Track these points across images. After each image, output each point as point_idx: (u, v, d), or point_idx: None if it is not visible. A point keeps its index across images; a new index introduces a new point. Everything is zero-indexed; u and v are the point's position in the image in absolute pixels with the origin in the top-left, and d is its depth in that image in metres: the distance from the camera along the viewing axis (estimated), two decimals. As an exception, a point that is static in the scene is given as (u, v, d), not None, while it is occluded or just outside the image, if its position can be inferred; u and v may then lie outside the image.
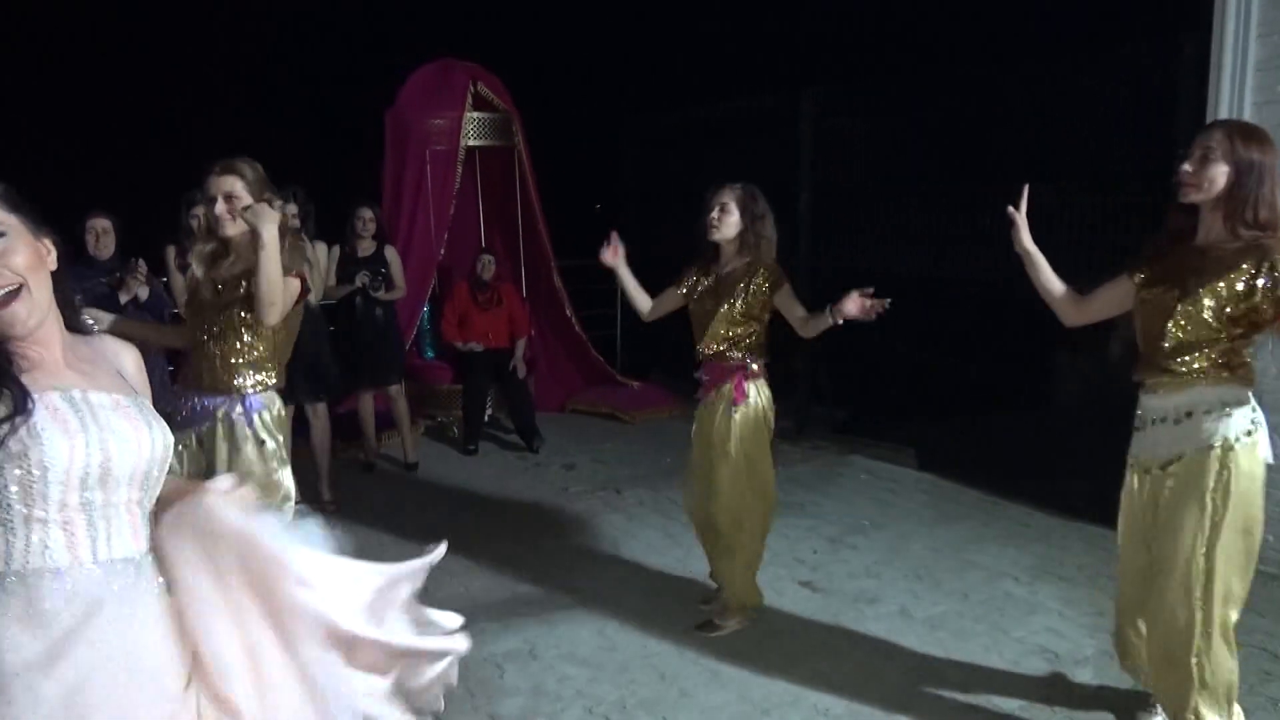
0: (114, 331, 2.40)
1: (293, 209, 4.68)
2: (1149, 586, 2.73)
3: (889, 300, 3.24)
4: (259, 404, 2.91)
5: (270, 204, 2.79)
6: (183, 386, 2.96)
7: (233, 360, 2.88)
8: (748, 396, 3.43)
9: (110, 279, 4.37)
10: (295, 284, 2.88)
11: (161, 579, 1.48)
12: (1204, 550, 2.50)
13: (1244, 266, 2.40)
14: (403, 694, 1.62)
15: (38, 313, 1.43)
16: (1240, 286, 2.41)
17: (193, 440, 2.89)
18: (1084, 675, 3.23)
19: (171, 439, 1.54)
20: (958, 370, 5.63)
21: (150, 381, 1.69)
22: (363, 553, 4.11)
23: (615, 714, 3.01)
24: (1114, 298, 2.92)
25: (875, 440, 5.98)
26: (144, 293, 4.45)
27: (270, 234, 2.67)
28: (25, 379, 1.38)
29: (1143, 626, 2.79)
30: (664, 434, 6.37)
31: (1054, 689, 3.14)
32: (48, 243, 1.49)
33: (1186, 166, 2.49)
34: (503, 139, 6.95)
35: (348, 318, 5.42)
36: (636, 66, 10.58)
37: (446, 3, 11.19)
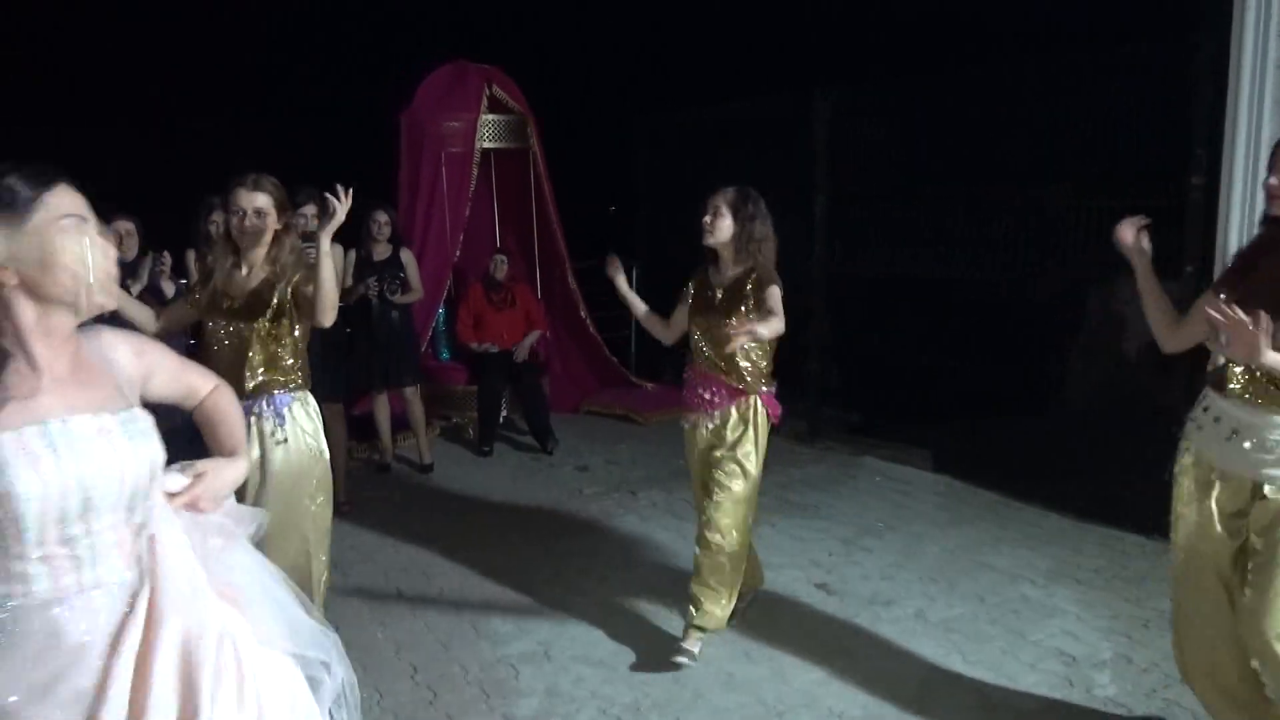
0: None
1: (312, 209, 4.72)
2: (1224, 619, 2.49)
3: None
4: (287, 400, 3.02)
5: (290, 223, 3.03)
6: None
7: (259, 368, 2.99)
8: (749, 413, 3.34)
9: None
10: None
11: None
12: None
13: None
14: None
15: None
16: None
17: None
18: (1101, 678, 3.21)
19: (160, 454, 1.51)
20: (971, 372, 5.61)
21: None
22: (376, 553, 4.16)
23: (629, 715, 3.02)
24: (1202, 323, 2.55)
25: (888, 442, 5.96)
26: (169, 289, 4.52)
27: (327, 245, 2.87)
28: (3, 413, 1.35)
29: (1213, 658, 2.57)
30: (678, 436, 6.32)
31: (1071, 692, 3.12)
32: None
33: (1273, 179, 2.33)
34: (518, 141, 6.97)
35: (363, 320, 5.45)
36: (651, 68, 10.58)
37: (461, 5, 11.22)
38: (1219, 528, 2.46)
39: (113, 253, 1.48)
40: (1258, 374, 2.31)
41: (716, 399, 3.40)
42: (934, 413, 6.07)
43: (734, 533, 3.34)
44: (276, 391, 3.01)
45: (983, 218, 5.35)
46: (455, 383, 6.63)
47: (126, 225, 4.53)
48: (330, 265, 2.88)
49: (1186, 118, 4.24)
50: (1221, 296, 2.30)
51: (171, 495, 1.55)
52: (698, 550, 3.38)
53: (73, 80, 11.75)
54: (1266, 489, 2.34)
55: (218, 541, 1.60)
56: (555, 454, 6.00)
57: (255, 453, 2.95)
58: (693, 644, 3.33)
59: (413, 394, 5.64)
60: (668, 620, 3.66)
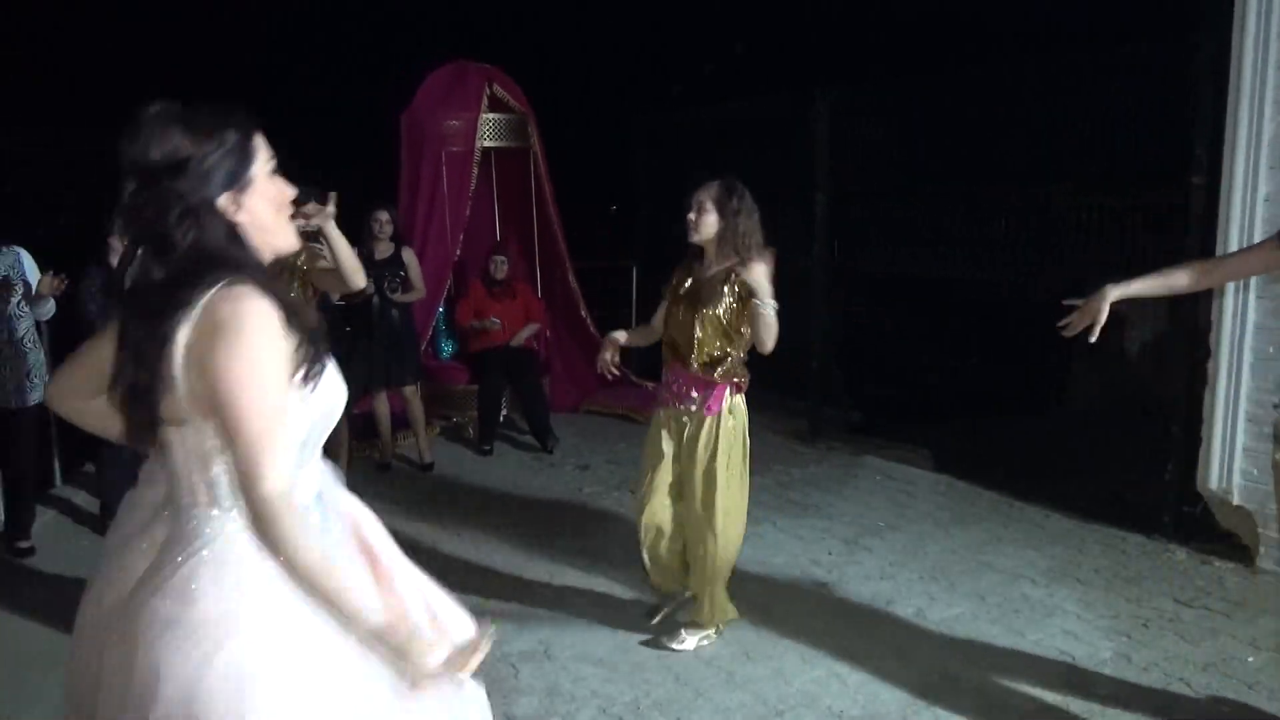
0: None
1: (313, 207, 4.72)
2: None
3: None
4: None
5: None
6: None
7: None
8: (724, 409, 3.28)
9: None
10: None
11: None
12: None
13: None
14: None
15: None
16: None
17: None
18: (1102, 678, 3.21)
19: None
20: (972, 371, 5.61)
21: None
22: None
23: (629, 714, 3.02)
24: (1253, 263, 2.72)
25: (890, 441, 5.96)
26: None
27: (333, 225, 3.02)
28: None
29: None
30: (678, 435, 6.36)
31: (1071, 692, 3.12)
32: None
33: None
34: (518, 140, 6.97)
35: (364, 319, 5.45)
36: (652, 68, 10.58)
37: (461, 5, 11.23)
38: None
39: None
40: None
41: (684, 391, 3.36)
42: (935, 412, 6.07)
43: (729, 532, 3.34)
44: None
45: (983, 217, 5.35)
46: (455, 382, 6.63)
47: None
48: (341, 235, 3.01)
49: (1186, 118, 4.24)
50: None
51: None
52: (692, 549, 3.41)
53: (72, 80, 11.76)
54: None
55: None
56: (556, 453, 6.00)
57: None
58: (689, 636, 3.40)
59: (413, 393, 5.64)
60: (669, 619, 3.65)
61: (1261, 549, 4.04)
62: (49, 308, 4.34)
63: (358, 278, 3.09)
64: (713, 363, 3.30)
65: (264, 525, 1.38)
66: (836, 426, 6.33)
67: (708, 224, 3.29)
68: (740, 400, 3.37)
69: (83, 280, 4.27)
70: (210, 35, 12.13)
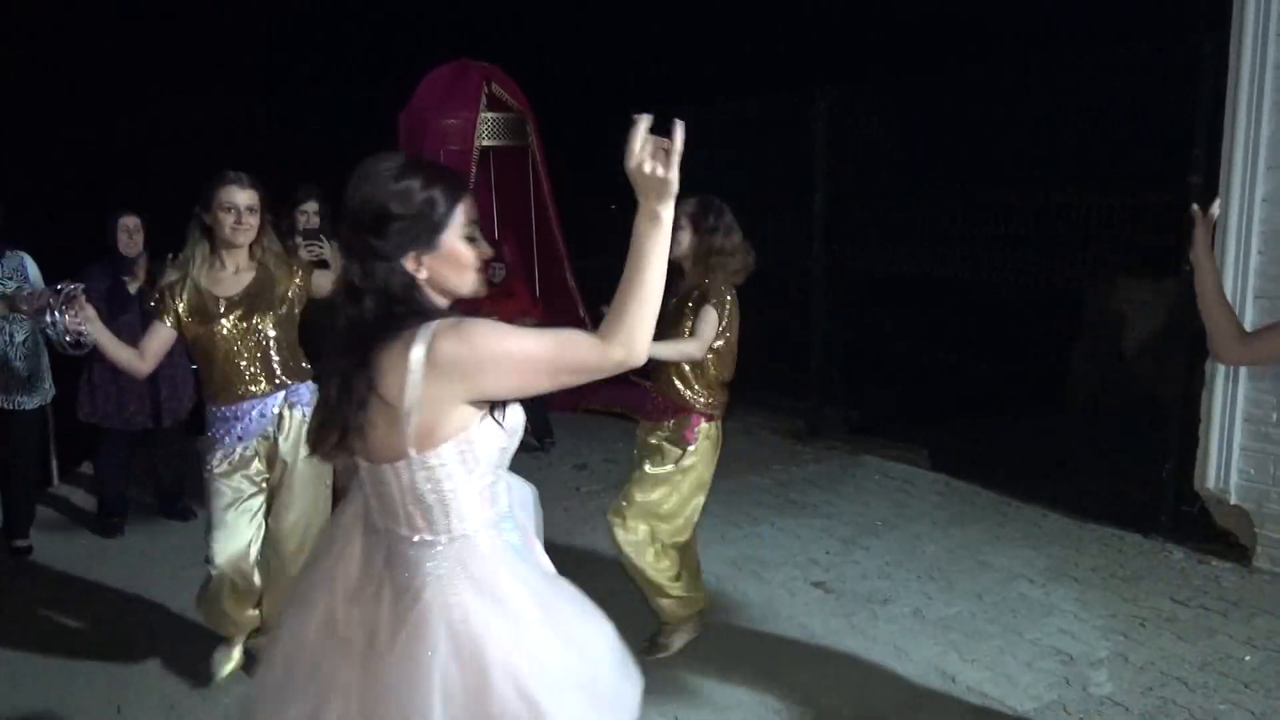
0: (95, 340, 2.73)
1: (314, 207, 4.72)
2: None
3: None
4: (304, 391, 3.09)
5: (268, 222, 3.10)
6: (224, 402, 2.99)
7: (275, 362, 3.03)
8: (698, 438, 3.21)
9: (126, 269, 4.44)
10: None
11: None
12: None
13: None
14: None
15: None
16: None
17: (260, 443, 3.03)
18: (1099, 677, 3.21)
19: None
20: (972, 371, 5.61)
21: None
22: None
23: (627, 713, 3.02)
24: None
25: (888, 441, 5.96)
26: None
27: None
28: None
29: None
30: (677, 434, 6.37)
31: (1068, 691, 3.13)
32: None
33: None
34: (517, 139, 6.97)
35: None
36: (650, 67, 10.58)
37: (461, 5, 11.22)
38: None
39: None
40: None
41: (660, 412, 3.30)
42: (934, 412, 6.08)
43: (634, 538, 3.25)
44: (297, 383, 3.08)
45: (982, 217, 5.35)
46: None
47: (134, 221, 4.53)
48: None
49: (1186, 118, 4.25)
50: None
51: None
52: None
53: (72, 80, 11.75)
54: None
55: None
56: (553, 452, 6.00)
57: (290, 442, 3.03)
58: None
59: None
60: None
61: (1258, 548, 4.05)
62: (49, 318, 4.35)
63: None
64: (682, 388, 3.22)
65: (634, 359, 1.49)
66: (835, 426, 6.34)
67: (681, 241, 3.19)
68: (712, 428, 3.27)
69: (86, 282, 4.27)
70: (210, 35, 12.13)
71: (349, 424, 1.51)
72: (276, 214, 4.81)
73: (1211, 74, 4.12)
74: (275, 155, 10.46)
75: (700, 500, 3.31)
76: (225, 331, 2.95)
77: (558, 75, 9.61)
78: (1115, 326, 5.80)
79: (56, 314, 2.71)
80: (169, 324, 2.94)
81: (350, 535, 1.68)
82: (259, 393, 3.00)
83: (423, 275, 1.56)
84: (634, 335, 1.46)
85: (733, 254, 3.21)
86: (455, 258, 1.58)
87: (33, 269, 4.29)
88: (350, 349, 1.52)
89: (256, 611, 3.19)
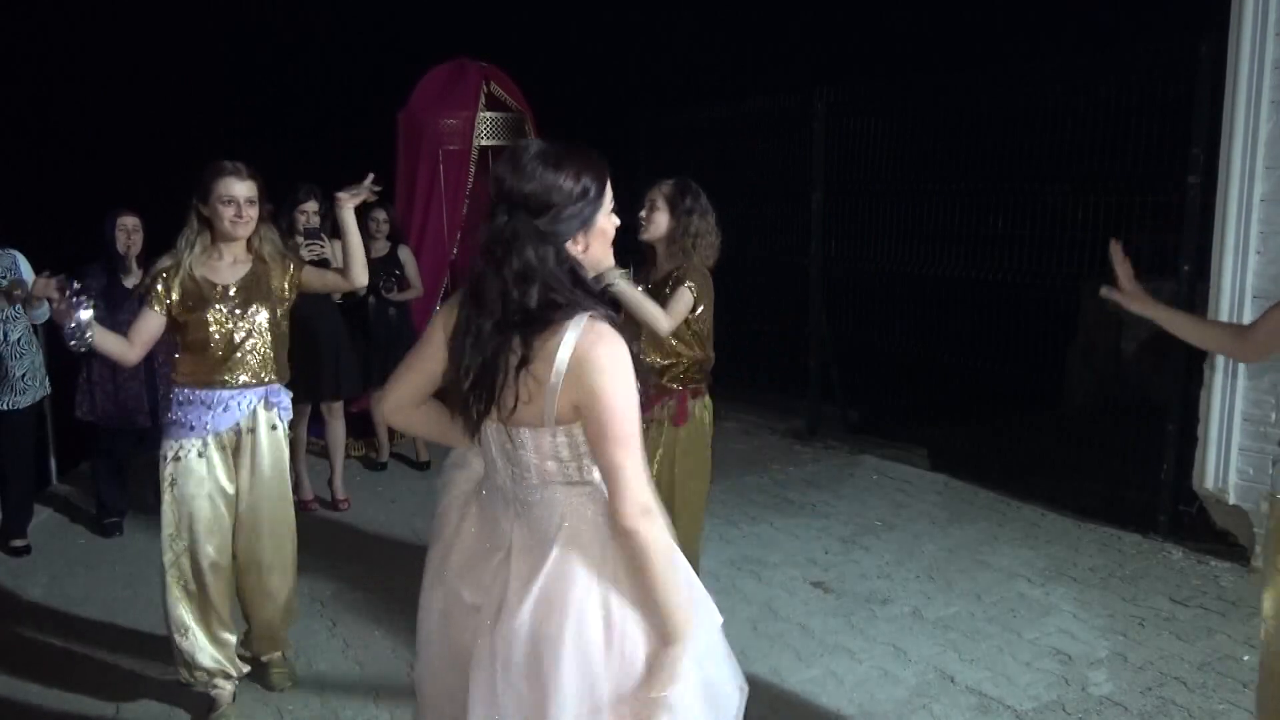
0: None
1: (313, 206, 4.72)
2: None
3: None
4: (284, 394, 3.07)
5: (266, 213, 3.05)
6: (200, 386, 2.93)
7: (261, 356, 2.99)
8: (691, 415, 3.23)
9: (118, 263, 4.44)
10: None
11: None
12: None
13: None
14: None
15: None
16: None
17: (229, 436, 2.98)
18: (1097, 677, 3.21)
19: None
20: (970, 370, 5.61)
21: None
22: (373, 550, 4.14)
23: (626, 713, 3.02)
24: None
25: (888, 440, 5.96)
26: None
27: (351, 215, 3.06)
28: None
29: None
30: (676, 434, 6.37)
31: (1067, 690, 3.13)
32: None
33: None
34: (516, 139, 6.96)
35: (362, 318, 5.45)
36: (650, 66, 10.57)
37: (459, 2, 11.21)
38: None
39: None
40: None
41: (647, 401, 3.27)
42: (933, 411, 6.08)
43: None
44: (274, 383, 3.04)
45: (981, 216, 5.35)
46: (453, 381, 6.62)
47: (132, 221, 4.52)
48: (357, 229, 3.09)
49: (1185, 117, 4.25)
50: None
51: None
52: None
53: (72, 79, 11.74)
54: None
55: None
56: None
57: (262, 443, 3.00)
58: None
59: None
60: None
61: (1257, 548, 4.05)
62: (44, 311, 4.33)
63: (362, 275, 3.10)
64: (663, 371, 3.22)
65: (633, 547, 1.57)
66: (834, 425, 6.34)
67: (658, 223, 3.23)
68: (699, 405, 3.27)
69: (81, 281, 4.26)
70: (210, 34, 12.12)
71: (494, 395, 1.61)
72: (276, 213, 4.84)
73: (1210, 74, 4.12)
74: (272, 154, 10.45)
75: (697, 487, 3.29)
76: (218, 318, 2.91)
77: (558, 75, 9.59)
78: (1114, 326, 5.80)
79: (79, 313, 2.65)
80: (159, 311, 2.87)
81: (466, 509, 1.80)
82: (238, 384, 2.94)
83: (579, 251, 1.64)
84: (641, 507, 1.58)
85: (707, 235, 3.24)
86: (605, 232, 1.69)
87: (25, 267, 4.28)
88: (506, 327, 1.58)
89: (230, 635, 3.03)
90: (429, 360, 1.77)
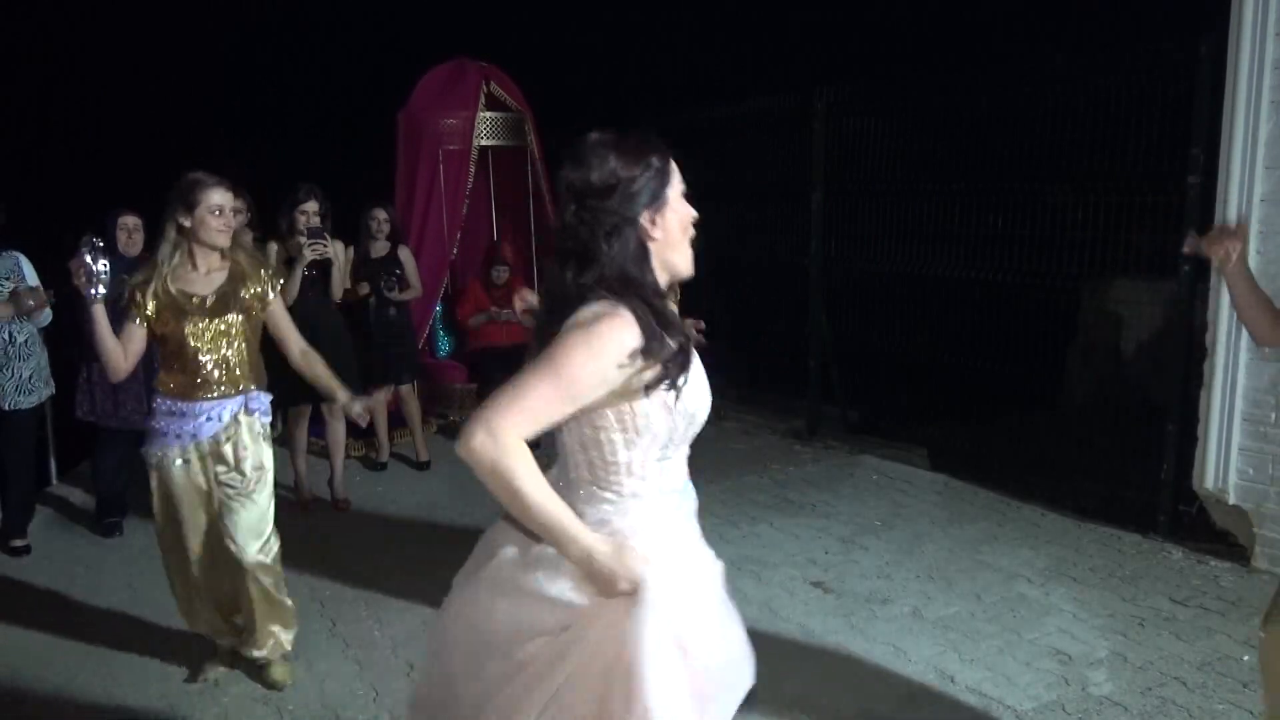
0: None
1: (313, 206, 4.72)
2: None
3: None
4: (264, 399, 3.12)
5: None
6: (180, 397, 3.00)
7: (240, 365, 3.04)
8: None
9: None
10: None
11: None
12: None
13: None
14: None
15: None
16: None
17: (210, 444, 3.02)
18: (1097, 677, 3.21)
19: None
20: (970, 370, 5.61)
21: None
22: (372, 550, 4.15)
23: (626, 713, 3.02)
24: None
25: (887, 440, 5.96)
26: None
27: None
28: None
29: None
30: (676, 434, 6.37)
31: (1067, 691, 3.13)
32: None
33: None
34: (516, 139, 6.97)
35: (362, 318, 5.45)
36: (650, 66, 10.57)
37: (459, 2, 11.21)
38: None
39: None
40: None
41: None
42: (933, 411, 6.07)
43: None
44: (254, 390, 3.09)
45: (981, 216, 5.35)
46: (453, 380, 6.63)
47: (133, 220, 4.53)
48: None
49: (1185, 117, 4.25)
50: None
51: None
52: None
53: (72, 79, 11.74)
54: None
55: None
56: (552, 452, 5.99)
57: (246, 448, 3.05)
58: None
59: (410, 391, 5.64)
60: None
61: (1257, 548, 4.05)
62: (45, 316, 4.37)
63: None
64: None
65: (478, 476, 1.55)
66: (834, 425, 6.34)
67: None
68: None
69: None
70: (211, 33, 12.12)
71: None
72: (277, 213, 4.84)
73: (1209, 74, 4.12)
74: (272, 154, 10.45)
75: None
76: (196, 329, 2.95)
77: (557, 75, 9.60)
78: (1113, 326, 5.80)
79: (99, 266, 2.70)
80: (141, 324, 2.93)
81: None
82: (218, 395, 3.00)
83: (658, 236, 1.64)
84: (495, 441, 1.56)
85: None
86: (680, 214, 1.68)
87: (28, 270, 4.28)
88: (561, 315, 1.60)
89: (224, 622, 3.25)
90: None
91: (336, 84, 11.74)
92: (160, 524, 3.11)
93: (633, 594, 1.57)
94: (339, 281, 4.98)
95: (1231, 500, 4.13)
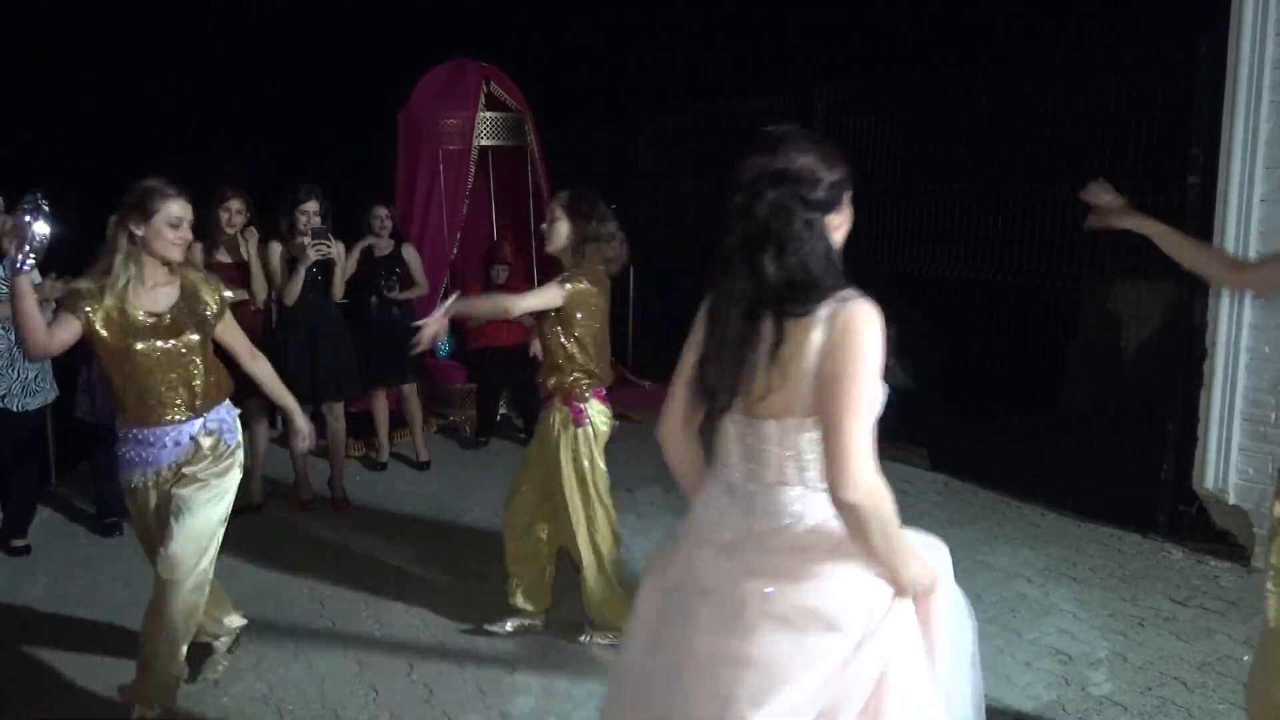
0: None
1: (314, 206, 4.72)
2: None
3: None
4: (226, 415, 2.97)
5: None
6: (140, 423, 2.82)
7: (196, 383, 2.85)
8: (587, 419, 3.33)
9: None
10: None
11: None
12: None
13: None
14: None
15: None
16: None
17: (169, 471, 2.86)
18: (1097, 677, 3.21)
19: None
20: (970, 370, 5.61)
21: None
22: (372, 550, 4.15)
23: (626, 713, 3.02)
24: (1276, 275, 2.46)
25: (887, 440, 5.91)
26: None
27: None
28: None
29: None
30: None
31: (1067, 690, 3.13)
32: None
33: None
34: (515, 139, 6.97)
35: (364, 317, 5.45)
36: (650, 66, 10.56)
37: (459, 2, 11.21)
38: None
39: None
40: None
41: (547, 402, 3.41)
42: (932, 411, 6.07)
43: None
44: (221, 405, 2.96)
45: (981, 216, 5.35)
46: (453, 380, 6.63)
47: None
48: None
49: (1185, 117, 4.25)
50: None
51: None
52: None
53: (72, 79, 11.74)
54: None
55: None
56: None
57: (213, 467, 2.89)
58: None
59: (411, 391, 5.64)
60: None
61: (1257, 548, 4.05)
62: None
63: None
64: (554, 374, 3.32)
65: (852, 521, 1.58)
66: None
67: (559, 233, 3.26)
68: (591, 409, 3.36)
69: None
70: (209, 34, 12.11)
71: (737, 382, 1.61)
72: (277, 213, 4.84)
73: (1209, 74, 4.12)
74: (273, 154, 10.45)
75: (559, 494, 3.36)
76: (147, 349, 2.75)
77: (557, 75, 9.60)
78: (1113, 326, 5.80)
79: (36, 231, 2.42)
80: (78, 320, 2.69)
81: (717, 500, 1.75)
82: (177, 419, 2.83)
83: (836, 238, 1.68)
84: (866, 488, 1.65)
85: (609, 240, 3.28)
86: (848, 220, 1.73)
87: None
88: (758, 307, 1.59)
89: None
90: (687, 370, 1.75)
91: (336, 84, 11.73)
92: (145, 549, 3.02)
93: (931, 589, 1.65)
94: (340, 281, 4.98)
95: (1231, 500, 4.13)
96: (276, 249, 4.76)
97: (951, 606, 1.74)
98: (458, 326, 6.67)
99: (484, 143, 6.85)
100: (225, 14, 12.00)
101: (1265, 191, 3.94)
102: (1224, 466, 4.13)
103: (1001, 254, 5.22)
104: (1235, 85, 3.95)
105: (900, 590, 1.62)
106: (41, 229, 2.45)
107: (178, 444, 2.85)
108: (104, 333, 2.71)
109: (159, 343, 2.77)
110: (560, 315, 3.23)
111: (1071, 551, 4.30)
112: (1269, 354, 3.98)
